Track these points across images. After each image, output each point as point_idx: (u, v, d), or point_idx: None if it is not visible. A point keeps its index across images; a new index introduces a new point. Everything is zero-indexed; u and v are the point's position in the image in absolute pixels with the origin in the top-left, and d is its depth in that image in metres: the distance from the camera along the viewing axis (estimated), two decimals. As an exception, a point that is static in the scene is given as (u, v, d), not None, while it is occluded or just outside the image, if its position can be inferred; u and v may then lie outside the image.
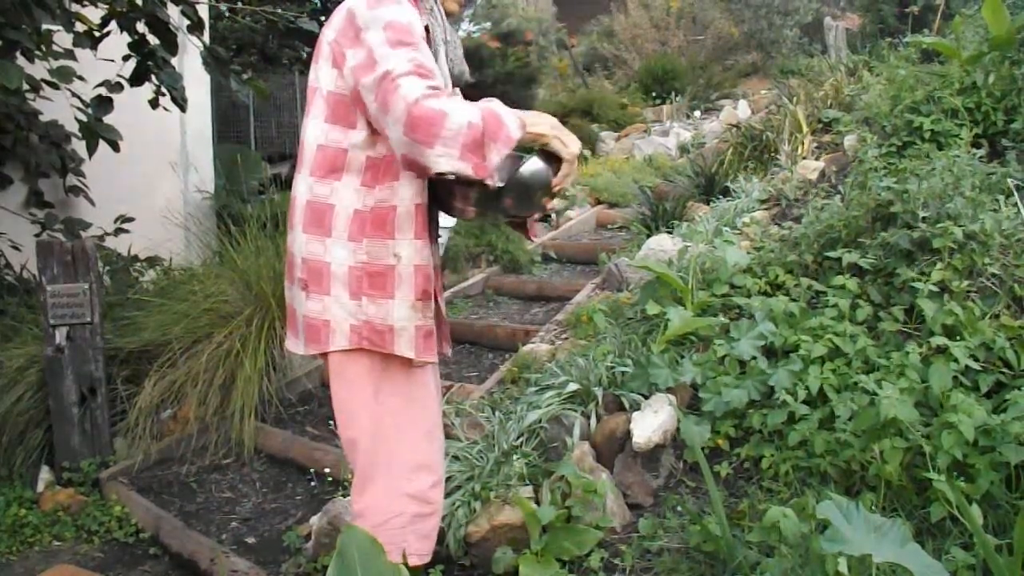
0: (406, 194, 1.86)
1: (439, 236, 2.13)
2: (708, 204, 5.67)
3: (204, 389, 3.92)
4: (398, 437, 1.96)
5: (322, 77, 1.86)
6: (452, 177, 1.72)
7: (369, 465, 1.98)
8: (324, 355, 1.95)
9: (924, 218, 3.11)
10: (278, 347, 4.06)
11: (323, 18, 12.02)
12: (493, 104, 1.71)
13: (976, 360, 2.58)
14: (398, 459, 1.96)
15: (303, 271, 1.90)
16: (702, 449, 2.60)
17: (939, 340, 2.61)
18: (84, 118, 4.39)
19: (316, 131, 1.87)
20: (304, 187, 1.89)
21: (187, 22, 4.35)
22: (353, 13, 1.81)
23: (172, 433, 4.12)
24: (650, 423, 2.83)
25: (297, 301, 1.95)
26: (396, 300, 1.87)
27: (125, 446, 4.06)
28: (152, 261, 5.54)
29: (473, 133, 1.63)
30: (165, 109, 4.51)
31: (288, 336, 2.07)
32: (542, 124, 1.77)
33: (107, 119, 4.41)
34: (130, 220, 5.69)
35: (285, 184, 7.07)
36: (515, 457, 2.87)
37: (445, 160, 1.64)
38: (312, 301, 1.89)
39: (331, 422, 4.15)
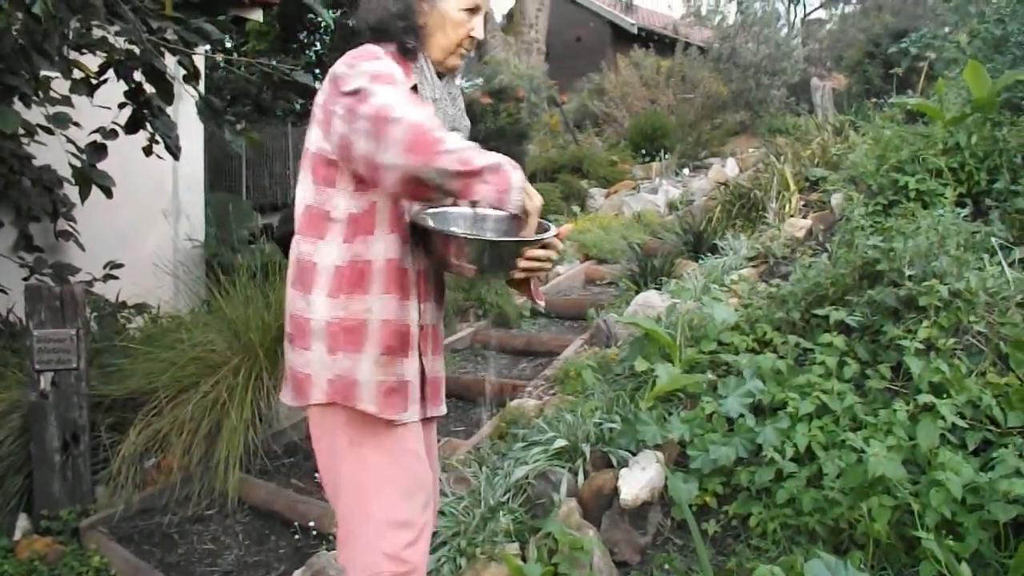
0: (378, 249, 1.87)
1: (441, 295, 2.12)
2: (696, 261, 5.71)
3: (189, 438, 3.88)
4: (375, 493, 1.92)
5: (311, 138, 1.91)
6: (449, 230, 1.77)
7: (348, 519, 1.96)
8: (308, 408, 1.97)
9: (910, 276, 3.14)
10: (265, 398, 4.03)
11: (318, 71, 12.17)
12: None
13: (963, 418, 2.59)
14: (375, 516, 1.93)
15: (289, 325, 1.94)
16: (690, 506, 2.59)
17: (926, 398, 2.62)
18: (78, 164, 4.41)
19: (304, 191, 1.91)
20: (294, 245, 1.94)
21: (183, 72, 4.39)
22: (335, 74, 1.85)
23: (155, 482, 4.07)
24: (638, 480, 2.82)
25: (286, 354, 1.98)
26: (363, 355, 1.88)
27: (107, 495, 4.01)
28: (140, 308, 5.51)
29: (470, 153, 1.65)
30: (158, 157, 4.53)
31: (282, 387, 2.09)
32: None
33: (100, 165, 4.43)
34: (119, 266, 5.68)
35: (276, 234, 7.10)
36: (501, 513, 2.85)
37: (447, 165, 1.63)
38: (296, 354, 1.92)
39: (316, 475, 4.11)
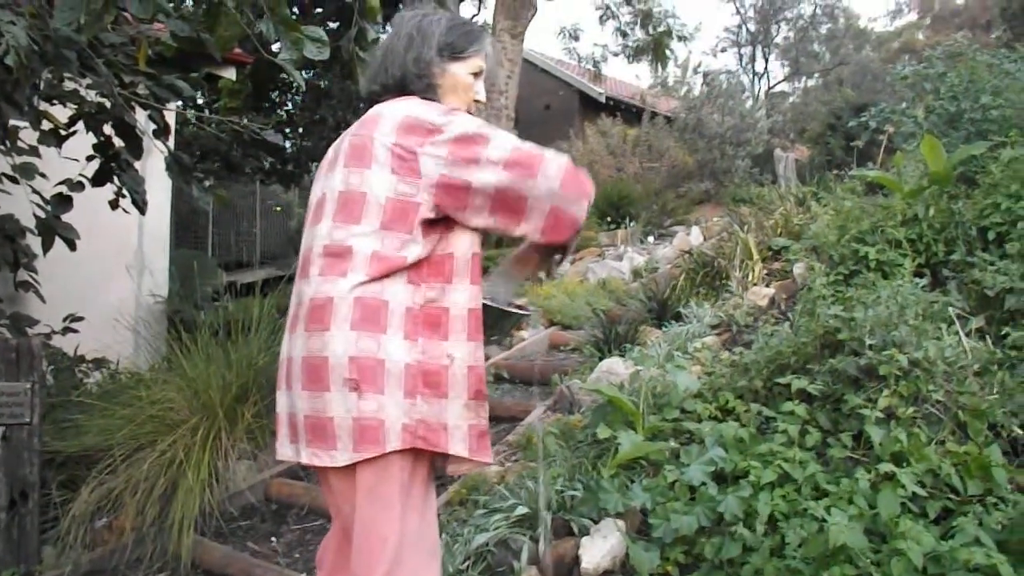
0: (460, 299, 1.89)
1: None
2: (660, 328, 5.73)
3: (143, 498, 3.80)
4: (413, 554, 1.86)
5: (375, 184, 1.85)
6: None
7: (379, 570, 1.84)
8: (336, 468, 1.83)
9: (871, 345, 3.18)
10: (223, 458, 3.96)
11: (288, 131, 12.23)
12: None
13: (923, 486, 2.60)
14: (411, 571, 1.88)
15: (351, 371, 1.79)
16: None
17: (887, 467, 2.63)
18: (42, 214, 4.37)
19: (368, 239, 1.84)
20: (346, 285, 1.82)
21: (153, 126, 4.39)
22: (421, 119, 1.87)
23: (106, 543, 3.96)
24: (599, 549, 2.80)
25: (334, 404, 1.81)
26: (450, 399, 1.86)
27: (54, 555, 3.89)
28: (99, 363, 5.43)
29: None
30: (125, 211, 4.51)
31: (286, 444, 1.95)
32: None
33: (65, 217, 4.40)
34: (79, 319, 5.61)
35: (241, 292, 7.04)
36: (461, 580, 2.81)
37: (586, 206, 1.91)
38: (366, 401, 1.79)
39: (273, 539, 4.04)
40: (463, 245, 1.92)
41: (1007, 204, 4.28)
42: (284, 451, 1.96)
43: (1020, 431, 2.96)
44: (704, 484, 2.91)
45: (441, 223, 1.89)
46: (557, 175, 1.84)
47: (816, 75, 26.24)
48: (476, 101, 2.13)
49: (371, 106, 2.04)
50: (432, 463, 1.93)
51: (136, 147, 4.31)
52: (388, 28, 2.19)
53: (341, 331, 1.81)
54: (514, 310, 2.09)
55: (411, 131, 1.86)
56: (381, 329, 1.81)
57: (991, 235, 4.30)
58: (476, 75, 2.12)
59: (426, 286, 1.87)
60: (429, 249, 1.87)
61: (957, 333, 3.34)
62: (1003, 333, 3.43)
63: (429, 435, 1.84)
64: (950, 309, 3.56)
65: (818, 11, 25.81)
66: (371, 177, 1.86)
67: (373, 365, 1.80)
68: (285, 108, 12.74)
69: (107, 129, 4.29)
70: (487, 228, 1.90)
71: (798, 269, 5.57)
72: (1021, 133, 5.20)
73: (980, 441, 2.83)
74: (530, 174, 1.82)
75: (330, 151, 2.06)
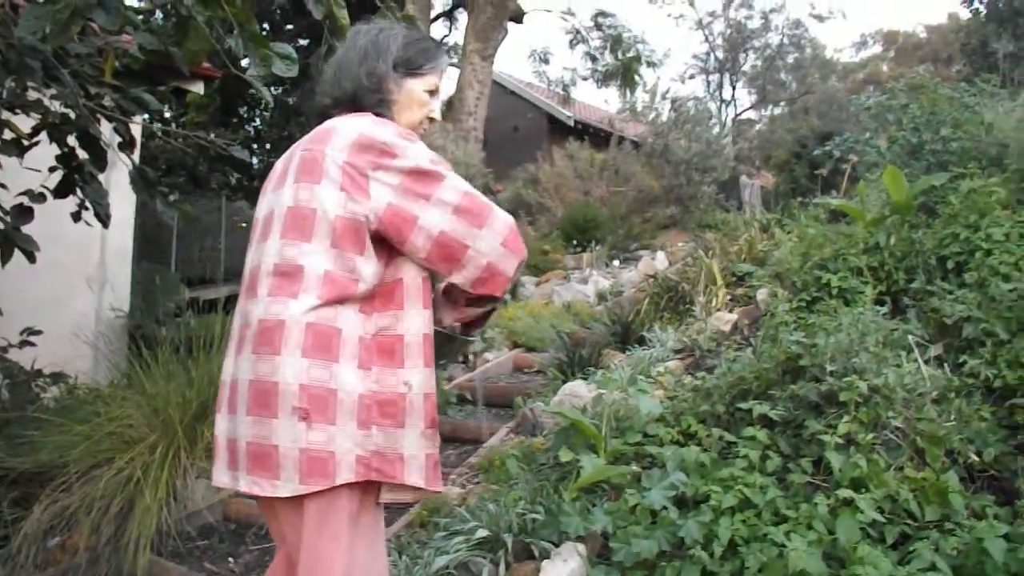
0: (413, 325, 1.86)
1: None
2: (624, 352, 5.75)
3: (98, 517, 3.72)
4: None
5: (325, 200, 1.81)
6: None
7: None
8: (284, 498, 1.77)
9: (831, 372, 3.21)
10: (181, 476, 3.90)
11: (256, 146, 12.17)
12: None
13: (882, 512, 2.62)
14: None
15: (301, 399, 1.74)
16: (612, 598, 2.55)
17: (846, 492, 2.65)
18: (1, 225, 4.30)
19: (319, 257, 1.79)
20: (298, 308, 1.77)
21: (119, 139, 4.35)
22: (377, 140, 1.84)
23: (59, 563, 3.87)
24: (560, 572, 2.78)
25: (281, 432, 1.74)
26: (407, 428, 1.83)
27: (4, 575, 3.80)
28: (57, 377, 5.34)
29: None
30: (87, 223, 4.45)
31: (223, 471, 1.87)
32: None
33: (25, 228, 4.33)
34: (37, 333, 5.51)
35: (203, 308, 6.97)
36: (421, 602, 2.78)
37: (519, 267, 1.92)
38: (314, 432, 1.74)
39: (231, 559, 3.98)
40: (412, 270, 1.89)
41: (965, 234, 4.35)
42: (221, 478, 1.88)
43: (976, 458, 3.00)
44: (665, 508, 2.91)
45: (388, 244, 1.87)
46: (502, 231, 1.85)
47: (782, 103, 26.65)
48: (431, 119, 2.11)
49: (321, 120, 2.01)
50: (378, 491, 1.89)
51: (100, 159, 4.26)
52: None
53: (292, 356, 1.75)
54: (459, 335, 2.08)
55: (364, 151, 1.83)
56: (334, 358, 1.77)
57: (950, 264, 4.37)
58: (432, 93, 2.10)
59: (377, 315, 1.85)
60: (379, 270, 1.85)
61: (916, 360, 3.39)
62: (960, 361, 3.48)
63: (384, 466, 1.81)
64: (910, 337, 3.60)
65: (785, 41, 26.27)
66: (321, 193, 1.82)
67: (324, 395, 1.75)
68: (253, 124, 12.72)
69: (71, 140, 4.23)
70: (420, 265, 1.88)
71: (761, 295, 5.62)
72: (979, 165, 5.30)
73: (937, 467, 2.86)
74: (478, 224, 1.82)
75: (278, 165, 2.02)
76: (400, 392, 1.83)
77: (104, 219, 4.41)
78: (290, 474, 1.73)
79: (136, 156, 4.68)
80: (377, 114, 1.98)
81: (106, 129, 4.38)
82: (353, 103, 2.00)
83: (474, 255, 1.84)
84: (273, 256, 1.83)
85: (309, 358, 1.75)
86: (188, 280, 9.18)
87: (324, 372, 1.75)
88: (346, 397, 1.77)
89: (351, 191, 1.81)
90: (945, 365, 3.54)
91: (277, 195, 1.91)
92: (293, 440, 1.73)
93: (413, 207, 1.81)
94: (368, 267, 1.82)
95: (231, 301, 2.02)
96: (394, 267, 1.88)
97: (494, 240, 1.84)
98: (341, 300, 1.79)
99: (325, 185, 1.82)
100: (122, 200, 6.00)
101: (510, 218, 1.90)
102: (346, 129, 1.87)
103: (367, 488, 1.84)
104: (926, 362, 3.41)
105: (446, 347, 2.05)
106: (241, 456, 1.79)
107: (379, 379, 1.82)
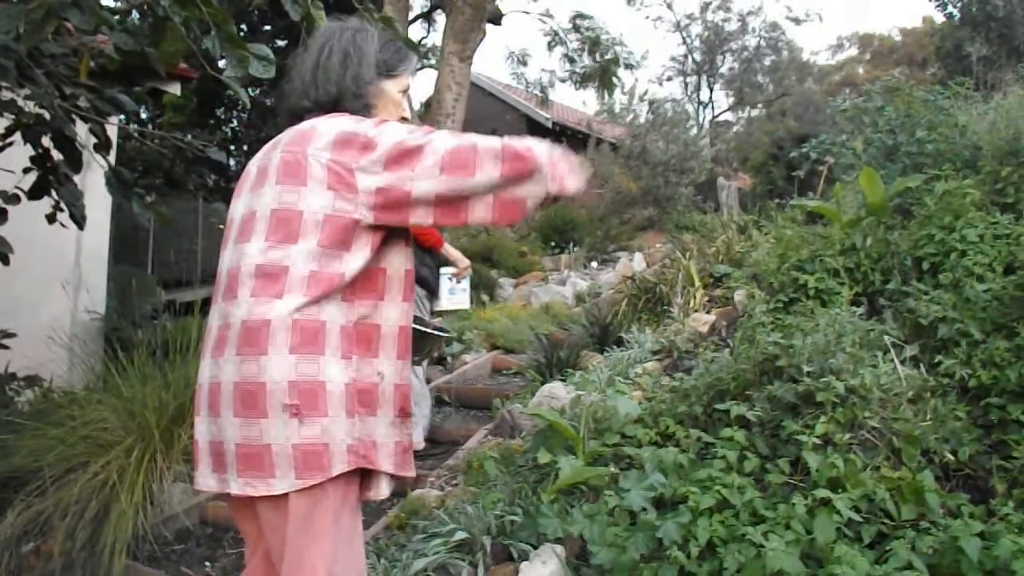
0: (391, 315, 1.88)
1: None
2: (602, 353, 5.76)
3: (73, 522, 3.69)
4: None
5: (313, 202, 1.81)
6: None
7: None
8: (267, 499, 1.76)
9: (808, 373, 3.23)
10: (158, 480, 3.87)
11: (233, 148, 12.10)
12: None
13: (858, 511, 2.64)
14: None
15: (292, 396, 1.73)
16: (591, 599, 2.55)
17: (823, 492, 2.67)
18: (-26, 228, 4.25)
19: (305, 258, 1.79)
20: (284, 308, 1.77)
21: (94, 140, 4.31)
22: (353, 132, 1.84)
23: (32, 569, 3.83)
24: (538, 574, 2.79)
25: (272, 431, 1.74)
26: (378, 417, 1.85)
27: (-23, 582, 3.77)
28: (31, 381, 5.28)
29: (552, 151, 1.87)
30: (62, 225, 4.41)
31: (208, 475, 1.85)
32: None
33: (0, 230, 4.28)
34: (11, 336, 5.44)
35: (180, 311, 6.93)
36: (399, 605, 2.78)
37: (541, 180, 1.84)
38: (307, 427, 1.74)
39: (208, 563, 3.96)
40: (396, 261, 1.92)
41: (940, 235, 4.39)
42: (206, 481, 1.86)
43: (952, 457, 3.03)
44: (644, 509, 2.92)
45: (379, 235, 1.87)
46: (494, 165, 1.80)
47: (759, 105, 26.81)
48: (403, 118, 2.11)
49: (293, 121, 2.00)
50: (359, 489, 1.90)
51: (75, 160, 4.22)
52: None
53: (280, 355, 1.75)
54: (433, 331, 2.09)
55: (346, 146, 1.83)
56: (320, 351, 1.77)
57: (925, 265, 4.40)
58: (403, 92, 2.12)
59: (359, 302, 1.85)
60: (366, 263, 1.85)
61: (892, 361, 3.41)
62: (936, 361, 3.50)
63: (368, 453, 1.83)
64: (886, 337, 3.63)
65: (762, 43, 26.43)
66: (308, 195, 1.82)
67: (314, 388, 1.75)
68: (230, 125, 12.64)
69: (46, 141, 4.19)
70: (433, 225, 1.89)
71: (739, 296, 5.65)
72: (954, 167, 5.35)
73: (913, 467, 2.89)
74: (468, 173, 1.80)
75: (252, 167, 2.00)
76: (374, 382, 1.85)
77: (79, 221, 4.37)
78: (285, 471, 1.73)
79: (112, 157, 4.64)
80: (357, 116, 1.97)
81: (81, 130, 4.34)
82: (334, 106, 1.99)
83: (476, 202, 1.83)
84: (256, 257, 1.82)
85: (297, 354, 1.75)
86: (164, 282, 9.11)
87: (312, 366, 1.76)
88: (334, 388, 1.77)
89: (339, 188, 1.81)
90: (921, 365, 3.57)
91: (257, 197, 1.90)
92: (286, 437, 1.73)
93: (403, 184, 1.80)
94: (356, 261, 1.83)
95: (208, 303, 2.01)
96: (380, 256, 1.88)
97: (489, 179, 1.80)
98: (325, 297, 1.80)
99: (312, 186, 1.82)
100: (98, 202, 5.95)
101: (497, 143, 1.83)
102: (326, 128, 1.87)
103: (349, 486, 1.84)
104: (902, 362, 3.44)
105: (421, 343, 2.06)
106: (231, 459, 1.78)
107: (359, 368, 1.83)
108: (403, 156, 1.81)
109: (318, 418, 1.74)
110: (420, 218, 1.84)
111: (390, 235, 1.89)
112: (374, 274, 1.88)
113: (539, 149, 1.84)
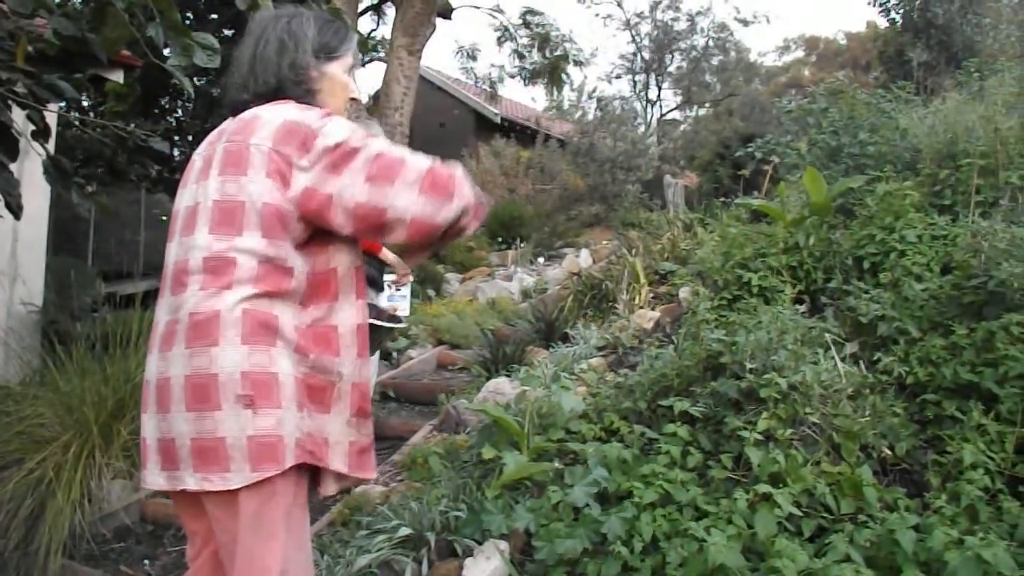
0: (346, 316, 1.86)
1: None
2: (548, 349, 5.79)
3: (7, 520, 3.59)
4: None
5: (253, 191, 1.78)
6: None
7: None
8: (216, 495, 1.72)
9: (751, 369, 3.27)
10: (96, 477, 3.79)
11: (177, 138, 11.88)
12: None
13: (799, 506, 2.68)
14: None
15: (245, 386, 1.70)
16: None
17: (764, 487, 2.70)
18: (-98, 219, 4.13)
19: (251, 249, 1.76)
20: (232, 299, 1.73)
21: (32, 127, 4.21)
22: (297, 122, 1.81)
23: (-37, 569, 3.75)
24: (482, 570, 2.79)
25: (226, 424, 1.70)
26: (331, 415, 1.83)
27: (-96, 582, 3.66)
28: (-37, 376, 5.15)
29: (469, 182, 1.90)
30: (-2, 215, 4.30)
31: (156, 472, 1.81)
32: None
33: (-69, 221, 4.16)
34: (-57, 330, 5.32)
35: (121, 303, 6.78)
36: (343, 601, 2.75)
37: (456, 208, 1.84)
38: (261, 417, 1.71)
39: (147, 561, 3.89)
40: (345, 260, 1.89)
41: (881, 236, 4.47)
42: (155, 479, 1.81)
43: (889, 452, 3.09)
44: (588, 505, 2.93)
45: (321, 233, 1.85)
46: (416, 180, 1.79)
47: (707, 105, 27.09)
48: (353, 99, 2.09)
49: (235, 112, 1.96)
50: (307, 486, 1.88)
51: (11, 148, 4.11)
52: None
53: (232, 345, 1.72)
54: (385, 323, 2.11)
55: (289, 137, 1.80)
56: (271, 343, 1.75)
57: (866, 264, 4.48)
58: (349, 72, 2.08)
59: (313, 307, 1.84)
60: (312, 261, 1.84)
61: (833, 358, 3.47)
62: (875, 359, 3.57)
63: (316, 449, 1.81)
64: (827, 335, 3.69)
65: (711, 43, 26.65)
66: (248, 184, 1.79)
67: (267, 379, 1.73)
68: (175, 115, 12.40)
69: (-21, 128, 4.09)
70: (353, 234, 1.87)
71: (683, 293, 5.70)
72: (895, 169, 5.45)
73: (852, 462, 2.94)
74: (390, 183, 1.78)
75: (196, 158, 1.97)
76: (331, 380, 1.84)
77: (16, 211, 4.26)
78: (240, 464, 1.69)
79: (51, 146, 4.53)
80: (302, 103, 1.93)
81: (18, 117, 4.23)
82: (276, 96, 1.95)
83: (393, 216, 1.79)
84: (202, 250, 1.79)
85: (249, 345, 1.72)
86: (105, 274, 8.90)
87: (264, 357, 1.73)
88: (286, 379, 1.75)
89: (276, 179, 1.78)
90: (860, 362, 3.63)
91: (200, 187, 1.86)
92: (240, 429, 1.70)
93: (327, 186, 1.78)
94: (299, 258, 1.82)
95: (150, 296, 1.97)
96: (327, 256, 1.86)
97: (410, 193, 1.78)
98: (276, 293, 1.78)
99: (251, 175, 1.79)
100: (35, 191, 5.80)
101: (426, 162, 1.83)
102: (270, 117, 1.84)
103: (299, 482, 1.82)
104: (842, 360, 3.50)
105: (374, 335, 2.05)
106: (184, 455, 1.74)
107: (315, 364, 1.81)
108: (339, 156, 1.79)
109: (272, 409, 1.72)
110: (340, 224, 1.81)
111: (334, 233, 1.86)
112: (325, 276, 1.86)
113: (462, 180, 1.87)
